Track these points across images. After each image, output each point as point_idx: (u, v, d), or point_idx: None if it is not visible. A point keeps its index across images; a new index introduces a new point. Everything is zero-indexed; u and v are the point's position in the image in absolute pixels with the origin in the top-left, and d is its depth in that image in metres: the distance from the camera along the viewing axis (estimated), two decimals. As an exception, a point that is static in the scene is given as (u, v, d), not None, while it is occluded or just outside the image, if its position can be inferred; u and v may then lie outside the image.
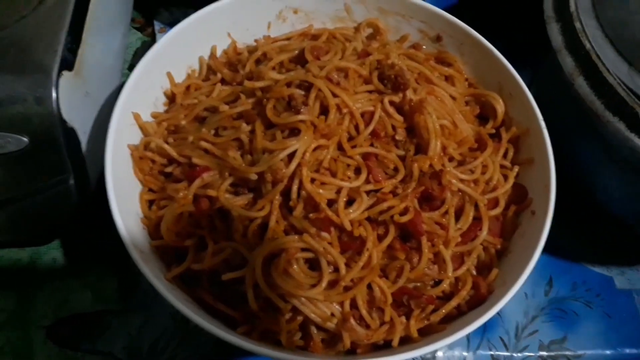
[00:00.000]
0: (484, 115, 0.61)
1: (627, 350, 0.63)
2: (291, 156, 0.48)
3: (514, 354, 0.62)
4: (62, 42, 0.52)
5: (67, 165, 0.53)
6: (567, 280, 0.67)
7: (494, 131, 0.59)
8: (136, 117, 0.55)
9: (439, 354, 0.61)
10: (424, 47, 0.64)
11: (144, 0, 0.78)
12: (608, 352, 0.64)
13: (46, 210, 0.55)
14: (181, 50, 0.59)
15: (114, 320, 0.58)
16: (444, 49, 0.64)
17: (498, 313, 0.62)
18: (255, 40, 0.63)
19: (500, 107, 0.59)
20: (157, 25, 0.79)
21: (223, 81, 0.59)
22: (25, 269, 0.61)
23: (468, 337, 0.62)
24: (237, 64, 0.60)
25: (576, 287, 0.67)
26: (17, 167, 0.52)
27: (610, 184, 0.60)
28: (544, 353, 0.63)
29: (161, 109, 0.59)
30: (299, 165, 0.48)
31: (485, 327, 0.63)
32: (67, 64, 0.53)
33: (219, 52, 0.62)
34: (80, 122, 0.54)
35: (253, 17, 0.63)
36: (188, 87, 0.59)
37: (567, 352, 0.63)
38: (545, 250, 0.67)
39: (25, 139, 0.51)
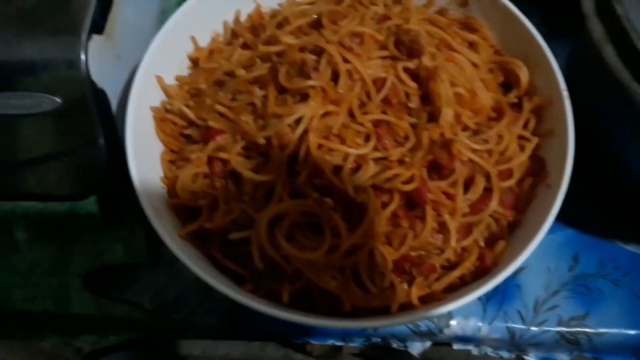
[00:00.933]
0: (509, 84, 0.59)
1: (653, 332, 0.61)
2: (300, 122, 0.49)
3: (531, 328, 0.61)
4: (93, 6, 0.54)
5: (98, 125, 0.56)
6: (594, 257, 0.65)
7: (516, 100, 0.58)
8: (159, 79, 0.57)
9: (453, 322, 0.61)
10: (451, 11, 0.62)
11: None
12: (632, 332, 0.61)
13: (80, 168, 0.59)
14: (206, 14, 0.61)
15: (142, 273, 0.62)
16: (470, 14, 0.62)
17: (517, 286, 0.63)
18: (279, 5, 0.64)
19: (524, 76, 0.57)
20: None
21: (246, 46, 0.60)
22: (65, 221, 0.64)
23: (485, 308, 0.62)
24: (259, 28, 0.61)
25: (604, 264, 0.65)
26: (52, 126, 0.55)
27: (640, 158, 0.57)
28: (563, 329, 0.61)
29: (185, 72, 0.61)
30: (306, 131, 0.48)
31: (503, 299, 0.62)
32: (98, 27, 0.54)
33: (243, 17, 0.63)
34: (110, 84, 0.56)
35: (278, -20, 0.63)
36: (211, 52, 0.61)
37: (588, 330, 0.61)
38: (573, 225, 0.67)
39: (59, 100, 0.53)
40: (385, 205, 0.49)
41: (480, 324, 0.61)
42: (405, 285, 0.49)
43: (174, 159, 0.56)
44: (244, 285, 0.49)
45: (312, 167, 0.48)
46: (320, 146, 0.49)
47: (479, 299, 0.60)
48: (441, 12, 0.62)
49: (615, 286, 0.63)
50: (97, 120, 0.56)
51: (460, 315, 0.60)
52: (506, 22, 0.59)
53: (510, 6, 0.58)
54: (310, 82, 0.50)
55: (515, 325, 0.61)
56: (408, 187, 0.48)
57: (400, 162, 0.50)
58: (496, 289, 0.48)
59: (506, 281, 0.48)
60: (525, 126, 0.56)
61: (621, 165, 0.60)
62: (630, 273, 0.64)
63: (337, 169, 0.49)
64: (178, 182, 0.52)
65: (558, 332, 0.62)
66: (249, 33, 0.61)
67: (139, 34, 0.65)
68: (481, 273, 0.50)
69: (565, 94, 0.53)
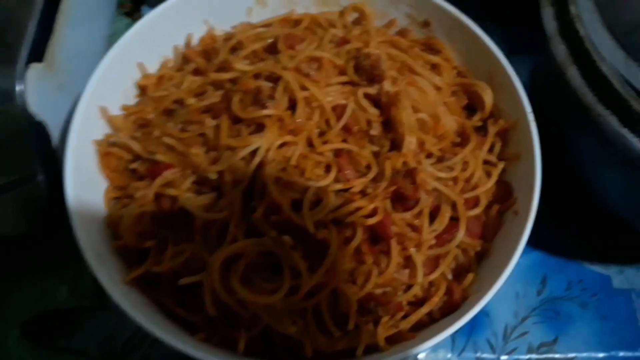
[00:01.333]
0: (473, 106, 0.57)
1: (622, 354, 0.60)
2: (255, 154, 0.46)
3: (501, 357, 0.60)
4: (31, 32, 0.50)
5: (37, 160, 0.52)
6: (561, 279, 0.64)
7: (481, 124, 0.56)
8: (103, 111, 0.53)
9: (421, 356, 0.58)
10: (412, 32, 0.60)
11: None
12: (601, 355, 0.60)
13: (18, 207, 0.54)
14: (155, 39, 0.57)
15: (89, 317, 0.57)
16: (432, 35, 0.60)
17: (486, 313, 0.61)
18: (233, 27, 0.60)
19: (488, 98, 0.55)
20: (146, 11, 0.76)
21: (197, 71, 0.57)
22: (1, 263, 0.59)
23: (453, 338, 0.60)
24: (212, 52, 0.57)
25: (571, 286, 0.64)
26: (-16, 162, 0.51)
27: (606, 180, 0.56)
28: (533, 356, 0.60)
29: (133, 101, 0.57)
30: (261, 163, 0.45)
31: (471, 328, 0.60)
32: (36, 55, 0.50)
33: (195, 41, 0.60)
34: (52, 115, 0.52)
35: (232, 2, 0.60)
36: (160, 78, 0.57)
37: (557, 355, 0.60)
38: (540, 247, 0.65)
39: (-10, 132, 0.49)
40: (347, 240, 0.46)
41: (449, 355, 0.59)
42: (370, 326, 0.46)
43: (120, 195, 0.51)
44: (197, 334, 0.45)
45: (269, 202, 0.45)
46: (277, 179, 0.46)
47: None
48: (402, 32, 0.60)
49: (582, 308, 0.62)
50: (36, 155, 0.51)
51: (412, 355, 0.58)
52: (469, 42, 0.57)
53: (472, 26, 0.56)
54: (266, 112, 0.46)
55: (485, 355, 0.59)
56: (371, 221, 0.45)
57: (363, 193, 0.47)
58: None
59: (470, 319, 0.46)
60: (490, 150, 0.54)
61: (588, 187, 0.59)
62: (597, 294, 0.63)
63: (296, 203, 0.46)
64: (122, 223, 0.48)
65: (528, 359, 0.60)
66: (201, 57, 0.57)
67: (84, 60, 0.61)
68: (450, 308, 0.47)
69: (530, 117, 0.52)
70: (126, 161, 0.52)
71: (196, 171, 0.47)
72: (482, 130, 0.56)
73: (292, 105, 0.49)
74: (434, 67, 0.57)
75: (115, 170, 0.52)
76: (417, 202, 0.48)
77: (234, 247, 0.44)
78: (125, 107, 0.55)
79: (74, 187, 0.47)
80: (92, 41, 0.64)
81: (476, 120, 0.56)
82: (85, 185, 0.49)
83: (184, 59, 0.59)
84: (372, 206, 0.45)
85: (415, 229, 0.48)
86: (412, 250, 0.47)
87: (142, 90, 0.57)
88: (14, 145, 0.50)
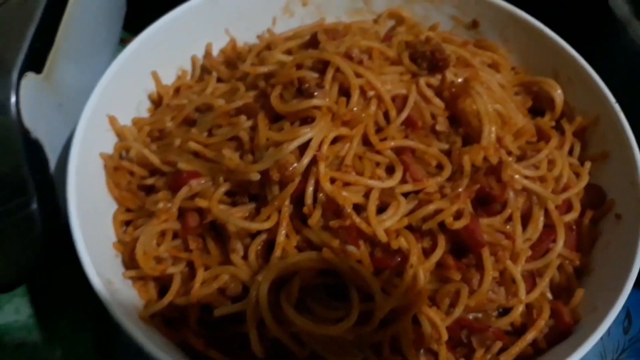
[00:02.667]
0: (538, 108, 0.50)
1: None
2: (303, 150, 0.37)
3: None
4: (28, 39, 0.45)
5: (30, 184, 0.44)
6: (648, 313, 0.54)
7: (553, 123, 0.48)
8: (112, 120, 0.45)
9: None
10: (456, 37, 0.54)
11: (134, 19, 0.71)
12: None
13: (6, 243, 0.46)
14: (168, 48, 0.50)
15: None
16: (482, 37, 0.53)
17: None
18: (258, 37, 0.54)
19: (558, 95, 0.48)
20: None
21: (219, 81, 0.49)
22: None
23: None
24: (236, 61, 0.50)
25: (660, 321, 0.54)
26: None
27: None
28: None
29: (145, 115, 0.49)
30: (314, 159, 0.37)
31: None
32: (34, 65, 0.45)
33: (215, 52, 0.53)
34: (49, 135, 0.46)
35: (255, 10, 0.54)
36: (177, 90, 0.49)
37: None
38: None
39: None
40: (427, 253, 0.36)
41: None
42: (462, 364, 0.35)
43: (131, 218, 0.42)
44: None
45: (325, 207, 0.36)
46: (332, 181, 0.37)
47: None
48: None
49: (678, 347, 0.52)
50: (30, 178, 0.43)
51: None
52: (527, 39, 0.51)
53: (531, 20, 0.50)
54: (315, 102, 0.38)
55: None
56: (458, 225, 0.36)
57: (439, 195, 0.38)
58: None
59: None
60: (570, 152, 0.46)
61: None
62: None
63: (356, 210, 0.37)
64: (138, 246, 0.38)
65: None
66: (224, 67, 0.50)
67: (85, 90, 0.54)
68: (559, 334, 0.38)
69: (617, 107, 0.44)
70: (139, 178, 0.43)
71: (231, 177, 0.39)
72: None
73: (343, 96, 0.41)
74: (491, 66, 0.50)
75: (126, 189, 0.43)
76: (504, 205, 0.39)
77: (286, 264, 0.35)
78: (137, 120, 0.47)
79: (79, 208, 0.38)
80: (93, 73, 0.57)
81: (547, 120, 0.48)
82: (91, 206, 0.41)
83: (204, 69, 0.51)
84: (454, 208, 0.37)
85: (507, 236, 0.38)
86: (509, 262, 0.37)
87: (156, 103, 0.49)
88: (5, 167, 0.43)
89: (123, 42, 0.71)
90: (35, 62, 0.45)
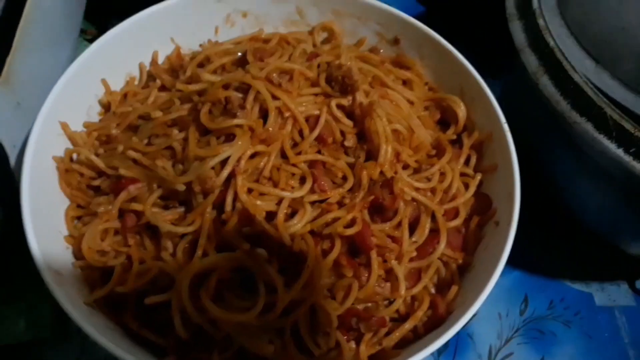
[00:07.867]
0: (446, 121, 0.57)
1: (609, 372, 0.58)
2: (225, 164, 0.44)
3: (487, 379, 0.57)
4: None
5: None
6: (543, 298, 0.63)
7: (455, 137, 0.55)
8: (64, 126, 0.50)
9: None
10: (382, 50, 0.60)
11: (95, 10, 0.74)
12: (588, 374, 0.59)
13: None
14: (119, 56, 0.55)
15: (49, 352, 0.53)
16: (402, 52, 0.60)
17: (469, 335, 0.59)
18: (201, 45, 0.59)
19: (461, 111, 0.55)
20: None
21: (163, 88, 0.55)
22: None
23: (437, 360, 0.57)
24: (179, 69, 0.56)
25: (553, 305, 0.62)
26: None
27: (582, 194, 0.55)
28: (520, 377, 0.58)
29: (96, 119, 0.54)
30: (232, 173, 0.43)
31: (455, 351, 0.58)
32: None
33: (161, 59, 0.58)
34: (8, 134, 0.49)
35: (199, 21, 0.59)
36: (125, 95, 0.55)
37: (545, 376, 0.58)
38: (520, 266, 0.64)
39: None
40: (325, 253, 0.43)
41: (434, 378, 0.56)
42: (352, 344, 0.43)
43: (81, 214, 0.48)
44: (166, 358, 0.41)
45: (241, 214, 0.43)
46: (250, 191, 0.44)
47: (431, 354, 0.56)
48: (372, 51, 0.60)
49: (567, 327, 0.61)
50: None
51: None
52: (439, 58, 0.57)
53: (442, 42, 0.56)
54: (237, 121, 0.45)
55: (471, 378, 0.57)
56: (350, 231, 0.43)
57: (340, 204, 0.45)
58: (447, 341, 0.45)
59: (458, 332, 0.44)
60: (466, 163, 0.53)
61: (565, 202, 0.58)
62: (580, 312, 0.62)
63: (270, 216, 0.44)
64: (84, 241, 0.44)
65: (515, 381, 0.58)
66: (168, 75, 0.55)
67: (45, 83, 0.58)
68: (434, 323, 0.45)
69: (505, 127, 0.51)
70: (88, 179, 0.49)
71: (163, 184, 0.45)
72: (456, 144, 0.55)
73: (264, 117, 0.47)
74: (405, 83, 0.57)
75: (77, 188, 0.48)
76: (395, 213, 0.46)
77: (205, 262, 0.41)
78: (87, 124, 0.52)
79: (31, 203, 0.44)
80: (53, 65, 0.61)
81: (450, 133, 0.55)
82: (44, 203, 0.46)
83: (150, 76, 0.57)
84: (350, 216, 0.43)
85: (395, 240, 0.46)
86: (394, 262, 0.44)
87: (106, 107, 0.55)
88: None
89: (84, 33, 0.75)
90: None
